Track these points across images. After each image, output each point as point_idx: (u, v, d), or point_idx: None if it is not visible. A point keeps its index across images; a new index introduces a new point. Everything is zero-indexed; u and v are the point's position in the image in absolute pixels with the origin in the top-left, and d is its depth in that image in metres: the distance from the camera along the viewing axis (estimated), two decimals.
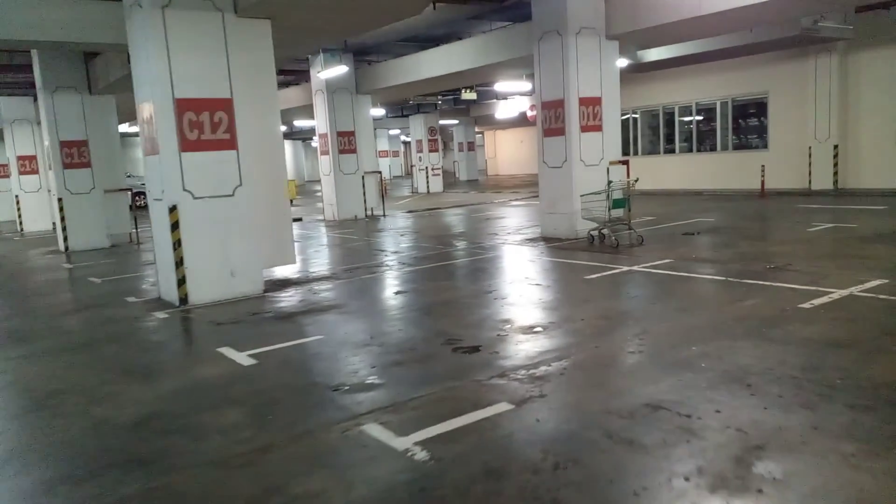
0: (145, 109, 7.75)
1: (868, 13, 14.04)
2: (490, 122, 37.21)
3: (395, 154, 53.72)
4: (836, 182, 15.76)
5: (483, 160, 45.98)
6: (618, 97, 11.35)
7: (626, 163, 11.44)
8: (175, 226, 7.49)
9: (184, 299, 7.53)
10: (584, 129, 10.88)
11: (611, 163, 11.14)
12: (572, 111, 10.73)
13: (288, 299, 7.55)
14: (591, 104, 10.92)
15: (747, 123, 18.22)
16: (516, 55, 12.84)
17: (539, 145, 11.42)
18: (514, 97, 25.03)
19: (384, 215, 17.83)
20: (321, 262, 10.25)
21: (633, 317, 5.92)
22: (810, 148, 16.09)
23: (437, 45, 14.99)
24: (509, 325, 5.80)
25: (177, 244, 7.51)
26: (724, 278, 7.14)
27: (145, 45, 7.46)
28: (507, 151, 44.44)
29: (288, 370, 5.10)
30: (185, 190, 7.51)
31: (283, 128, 29.50)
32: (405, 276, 8.65)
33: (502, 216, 15.97)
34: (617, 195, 9.93)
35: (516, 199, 21.02)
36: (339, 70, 14.65)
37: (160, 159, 7.52)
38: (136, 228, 14.58)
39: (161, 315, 7.17)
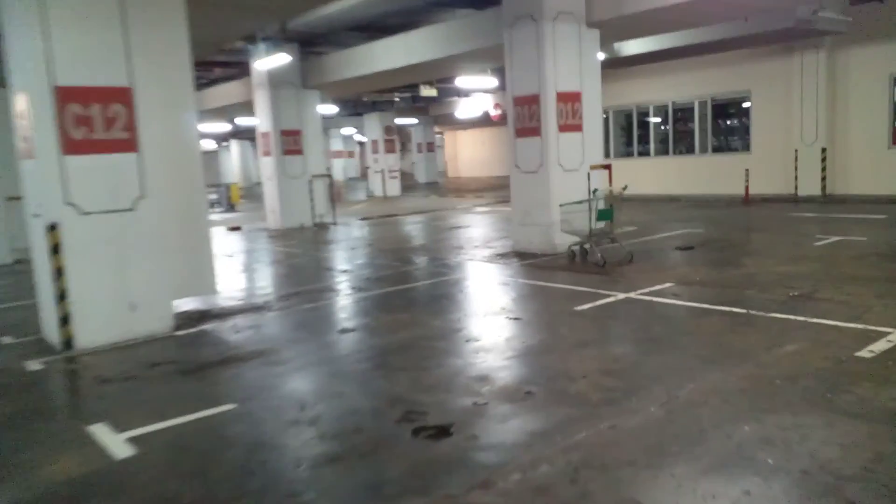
0: (19, 101, 6.05)
1: (860, 6, 13.07)
2: (451, 122, 35.81)
3: (350, 155, 51.90)
4: (824, 188, 14.79)
5: (443, 162, 44.57)
6: (599, 93, 10.03)
7: (608, 167, 10.11)
8: (55, 249, 5.82)
9: (67, 342, 5.86)
10: (563, 128, 9.51)
11: (591, 167, 9.79)
12: (549, 108, 9.36)
13: (203, 341, 5.95)
14: (570, 100, 9.57)
15: (727, 124, 17.23)
16: (483, 45, 11.41)
17: (510, 147, 10.01)
18: (477, 95, 23.66)
19: (335, 223, 16.21)
20: (254, 286, 8.62)
21: (648, 372, 4.51)
22: (796, 151, 15.11)
23: (394, 35, 13.45)
24: (488, 387, 4.34)
25: (58, 273, 5.83)
26: (743, 311, 5.82)
27: (14, 16, 5.78)
28: (469, 153, 43.13)
29: (175, 470, 3.52)
30: (68, 203, 5.85)
31: (228, 126, 27.57)
32: (354, 305, 7.11)
33: (467, 225, 14.54)
34: (602, 205, 8.58)
35: (480, 205, 19.64)
36: (281, 60, 13.00)
37: (36, 165, 5.85)
38: None
39: (33, 366, 5.49)
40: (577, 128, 9.68)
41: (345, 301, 7.25)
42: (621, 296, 6.64)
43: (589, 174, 9.71)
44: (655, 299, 6.43)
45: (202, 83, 20.27)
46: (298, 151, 15.83)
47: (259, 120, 15.99)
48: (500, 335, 5.52)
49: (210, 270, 6.89)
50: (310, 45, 15.56)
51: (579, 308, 6.25)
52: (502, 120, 25.80)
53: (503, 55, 9.97)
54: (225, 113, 22.54)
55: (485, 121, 33.95)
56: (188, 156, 6.71)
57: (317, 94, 16.35)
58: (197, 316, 6.86)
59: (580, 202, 8.80)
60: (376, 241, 12.68)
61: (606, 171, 10.03)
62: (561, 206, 8.87)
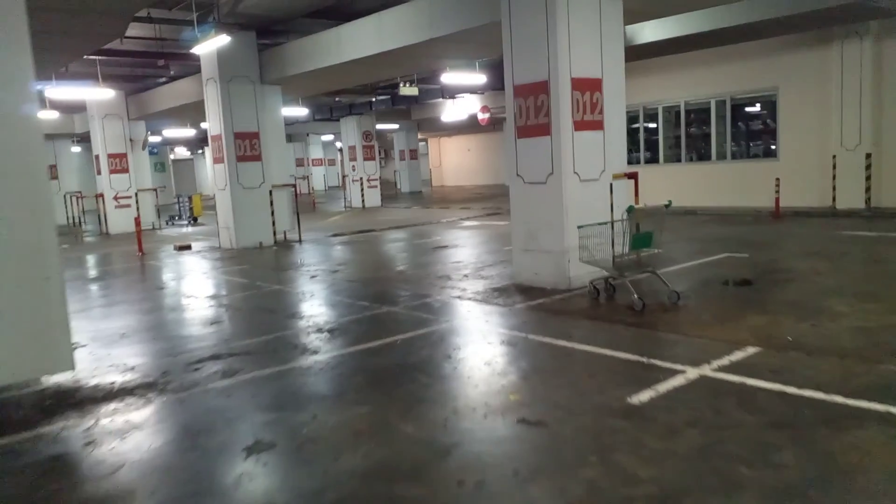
0: None
1: None
2: (435, 128, 33.61)
3: (332, 163, 49.51)
4: (868, 199, 12.68)
5: (427, 170, 42.32)
6: (622, 81, 7.81)
7: (633, 176, 7.90)
8: None
9: None
10: (580, 125, 7.28)
11: (614, 176, 7.57)
12: (562, 99, 7.12)
13: (22, 464, 3.58)
14: (588, 89, 7.34)
15: (749, 127, 15.12)
16: (472, 23, 9.18)
17: (509, 151, 7.76)
18: (463, 96, 21.44)
19: (300, 241, 13.86)
20: (162, 341, 6.24)
21: None
22: (834, 157, 13.00)
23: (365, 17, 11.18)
24: None
25: None
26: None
27: None
28: (454, 160, 40.95)
29: None
30: None
31: (192, 131, 25.11)
32: (292, 384, 4.77)
33: (454, 243, 12.24)
34: (641, 227, 6.34)
35: (468, 218, 17.36)
36: (219, 41, 10.65)
37: None
38: None
39: None
40: (598, 125, 7.45)
41: (279, 376, 4.90)
42: (692, 373, 4.37)
43: (612, 186, 7.52)
44: (748, 381, 4.16)
45: (158, 82, 17.87)
46: (256, 157, 13.48)
47: (210, 121, 13.63)
48: (517, 472, 3.20)
49: (65, 336, 4.51)
50: (268, 34, 13.25)
51: (635, 400, 3.96)
52: (490, 124, 23.59)
53: (497, 38, 7.74)
54: (184, 115, 20.11)
55: (471, 126, 31.80)
56: (24, 166, 4.35)
57: (278, 90, 14.03)
58: (50, 401, 4.50)
59: (605, 223, 6.57)
60: (344, 266, 10.34)
61: (632, 182, 7.85)
62: (580, 227, 6.62)
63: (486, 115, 21.51)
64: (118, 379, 4.96)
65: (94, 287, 9.65)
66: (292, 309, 7.30)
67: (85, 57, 13.93)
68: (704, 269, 8.14)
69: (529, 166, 7.49)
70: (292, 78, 13.12)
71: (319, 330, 6.12)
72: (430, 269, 9.39)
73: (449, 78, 15.21)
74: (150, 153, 33.95)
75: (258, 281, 9.30)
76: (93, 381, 4.92)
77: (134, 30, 12.90)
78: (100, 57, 13.90)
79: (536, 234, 7.49)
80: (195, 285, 9.35)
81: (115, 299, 8.55)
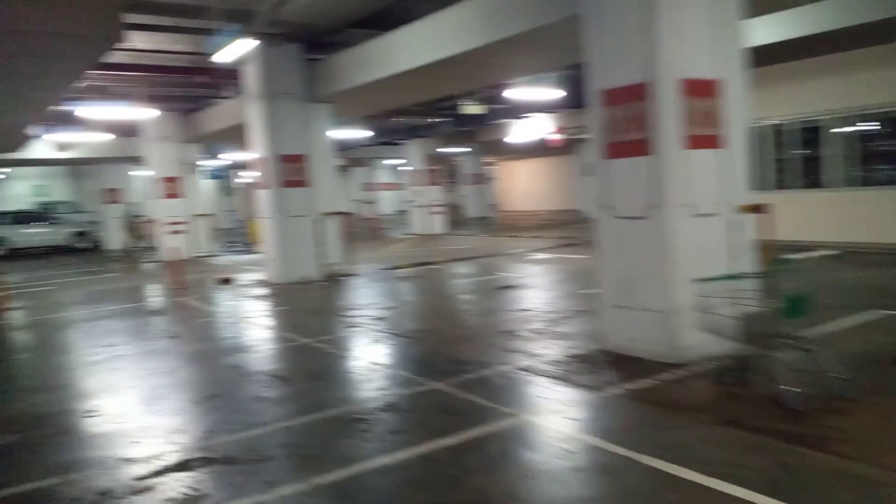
0: None
1: None
2: (503, 151, 31.96)
3: (399, 187, 48.58)
4: None
5: (495, 195, 40.66)
6: (743, 85, 5.92)
7: (762, 209, 5.95)
8: None
9: None
10: (692, 142, 5.45)
11: (741, 208, 5.66)
12: (666, 107, 5.32)
13: None
14: (702, 94, 5.51)
15: (884, 148, 12.70)
16: (544, 20, 7.49)
17: (596, 174, 5.99)
18: (533, 116, 19.71)
19: (350, 275, 12.41)
20: (98, 443, 4.74)
21: None
22: None
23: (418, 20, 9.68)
24: None
25: None
26: None
27: None
28: (524, 185, 39.15)
29: None
30: None
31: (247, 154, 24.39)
32: None
33: (523, 282, 10.46)
34: (799, 288, 4.42)
35: (539, 249, 15.52)
36: (244, 46, 9.29)
37: None
38: None
39: None
40: (716, 141, 5.58)
41: None
42: None
43: (739, 222, 5.64)
44: None
45: (210, 103, 17.02)
46: (302, 182, 12.15)
47: (253, 143, 12.44)
48: None
49: None
50: (316, 48, 11.98)
51: None
52: (564, 146, 21.76)
53: (575, 39, 6.03)
54: (234, 137, 19.21)
55: (543, 149, 29.97)
56: None
57: (327, 109, 12.71)
58: None
59: (737, 276, 4.71)
60: (393, 311, 8.72)
61: (762, 217, 5.92)
62: (697, 281, 4.78)
63: (560, 137, 19.69)
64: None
65: (73, 331, 8.41)
66: (310, 383, 5.68)
67: (124, 74, 13.10)
68: (858, 335, 6.06)
69: (622, 195, 5.69)
70: (341, 94, 11.76)
71: (334, 423, 4.47)
72: (492, 319, 7.66)
73: (517, 94, 13.55)
74: (216, 177, 33.92)
75: (287, 331, 7.80)
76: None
77: (174, 43, 11.92)
78: (142, 74, 13.02)
79: (633, 286, 5.65)
80: (209, 336, 7.94)
81: (105, 352, 7.21)
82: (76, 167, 29.07)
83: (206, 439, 4.21)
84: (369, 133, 21.84)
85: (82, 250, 23.14)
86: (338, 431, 4.26)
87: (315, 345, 6.87)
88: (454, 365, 5.76)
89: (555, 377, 5.22)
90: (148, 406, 5.10)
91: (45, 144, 20.18)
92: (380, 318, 8.13)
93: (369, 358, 6.21)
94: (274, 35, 11.19)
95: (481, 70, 9.95)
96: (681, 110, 5.38)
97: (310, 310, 9.33)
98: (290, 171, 12.05)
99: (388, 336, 7.10)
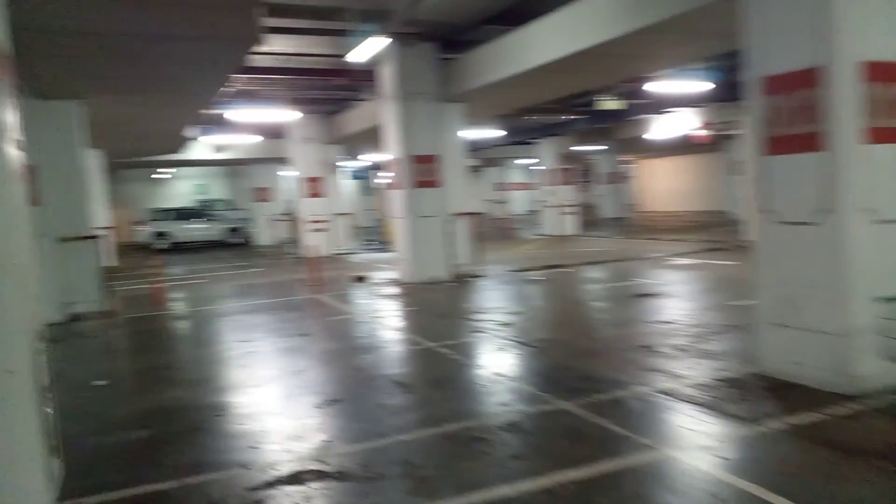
0: None
1: None
2: (642, 149, 30.46)
3: (532, 187, 47.99)
4: None
5: (632, 194, 38.95)
6: None
7: None
8: None
9: None
10: (877, 135, 4.61)
11: None
12: (842, 94, 4.54)
13: None
14: (889, 79, 4.65)
15: None
16: (696, 3, 6.78)
17: (753, 172, 5.27)
18: (677, 111, 18.46)
19: (479, 276, 12.18)
20: (223, 439, 4.74)
21: None
22: None
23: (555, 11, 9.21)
24: None
25: None
26: None
27: None
28: (664, 184, 37.17)
29: None
30: None
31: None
32: None
33: (664, 290, 9.69)
34: None
35: (681, 253, 14.47)
36: (376, 45, 9.24)
37: None
38: (108, 292, 10.05)
39: None
40: None
41: None
42: None
43: None
44: None
45: (351, 105, 17.53)
46: (433, 183, 12.09)
47: (388, 144, 12.56)
48: None
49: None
50: (451, 47, 11.84)
51: None
52: (710, 142, 20.25)
53: (727, 24, 5.33)
54: (374, 139, 19.69)
55: (686, 146, 28.22)
56: None
57: (460, 109, 12.55)
58: None
59: None
60: (520, 316, 8.35)
61: None
62: (880, 300, 4.01)
63: (706, 133, 18.30)
64: None
65: (216, 325, 8.76)
66: (431, 391, 5.46)
67: (269, 77, 13.72)
68: None
69: (786, 197, 4.94)
70: (475, 92, 11.54)
71: (453, 440, 4.19)
72: (628, 331, 7.07)
73: (659, 87, 12.66)
74: (357, 178, 35.21)
75: (413, 333, 7.69)
76: None
77: (314, 46, 12.30)
78: (285, 77, 13.58)
79: (798, 302, 4.90)
80: (339, 336, 7.98)
81: (242, 347, 7.43)
82: (231, 167, 31.38)
83: (322, 449, 4.09)
84: (501, 132, 21.58)
85: (234, 245, 24.84)
86: (456, 451, 3.98)
87: (439, 349, 6.67)
88: (585, 382, 5.30)
89: (701, 404, 4.62)
90: (272, 408, 5.12)
91: (202, 146, 21.87)
92: (506, 324, 7.80)
93: (493, 367, 5.89)
94: (408, 34, 11.20)
95: (622, 62, 9.32)
96: (861, 98, 4.57)
97: (437, 311, 9.19)
98: (423, 171, 12.02)
99: (514, 344, 6.75)
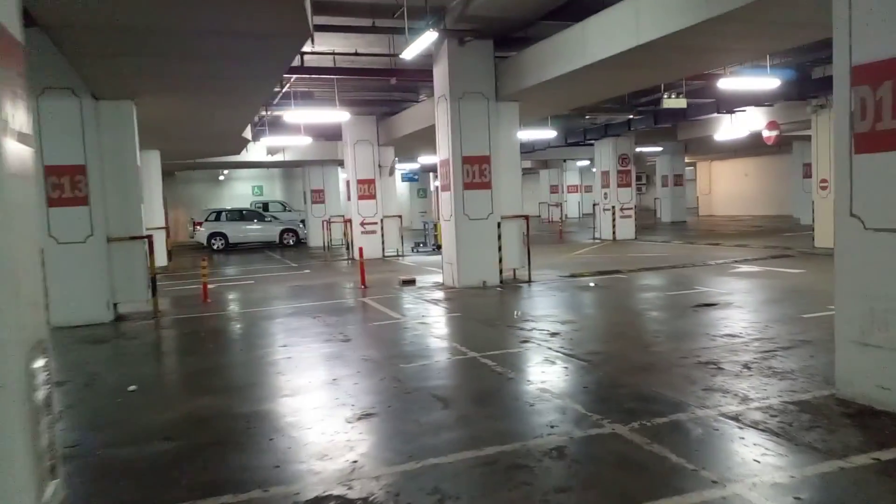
0: None
1: None
2: (705, 149, 29.36)
3: (588, 189, 47.00)
4: None
5: (693, 197, 37.63)
6: None
7: None
8: None
9: None
10: None
11: None
12: None
13: None
14: None
15: None
16: None
17: (836, 176, 4.69)
18: (744, 111, 17.55)
19: (529, 282, 11.76)
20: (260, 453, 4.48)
21: None
22: None
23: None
24: None
25: None
26: None
27: None
28: (727, 187, 35.77)
29: None
30: None
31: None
32: None
33: (726, 300, 9.06)
34: None
35: (745, 260, 13.67)
36: (426, 39, 8.94)
37: None
38: (155, 293, 10.08)
39: None
40: None
41: None
42: None
43: None
44: None
45: (404, 106, 17.35)
46: (485, 185, 11.72)
47: (438, 144, 12.26)
48: None
49: None
50: (506, 44, 11.48)
51: None
52: (778, 143, 19.21)
53: (805, 14, 4.81)
54: (427, 140, 19.47)
55: (750, 147, 27.07)
56: None
57: (515, 108, 12.15)
58: None
59: None
60: (570, 325, 7.89)
61: None
62: None
63: (774, 133, 17.32)
64: None
65: (259, 327, 8.60)
66: (471, 408, 5.10)
67: (324, 77, 13.63)
68: None
69: (881, 200, 4.38)
70: (531, 90, 11.12)
71: (492, 467, 3.82)
72: (688, 346, 6.54)
73: (728, 84, 11.96)
74: (411, 180, 35.16)
75: (457, 341, 7.34)
76: None
77: (369, 46, 12.14)
78: (340, 77, 13.48)
79: (889, 319, 4.33)
80: (380, 342, 7.70)
81: (281, 352, 7.23)
82: (287, 169, 31.77)
83: (349, 471, 3.78)
84: (557, 133, 21.07)
85: (288, 246, 25.05)
86: (494, 480, 3.61)
87: (483, 360, 6.30)
88: (640, 402, 4.84)
89: (773, 432, 4.11)
90: (304, 420, 4.85)
91: (259, 148, 22.11)
92: (555, 334, 7.37)
93: (539, 382, 5.49)
94: (463, 31, 10.90)
95: (686, 57, 8.77)
96: None
97: (483, 318, 8.83)
98: (473, 172, 11.67)
99: (564, 356, 6.32)
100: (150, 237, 10.24)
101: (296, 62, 12.51)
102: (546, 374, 5.74)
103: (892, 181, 4.28)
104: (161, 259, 17.52)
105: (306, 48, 12.17)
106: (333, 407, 5.10)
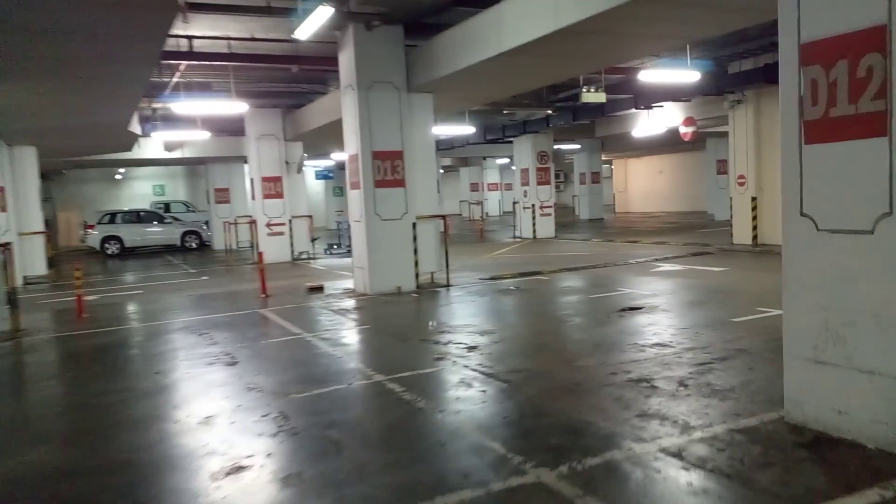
0: None
1: None
2: (622, 147, 29.61)
3: (508, 187, 46.99)
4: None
5: (610, 195, 38.12)
6: None
7: None
8: None
9: None
10: None
11: None
12: None
13: None
14: None
15: None
16: None
17: (784, 169, 4.11)
18: (662, 106, 17.43)
19: (447, 286, 11.00)
20: None
21: None
22: None
23: None
24: None
25: None
26: None
27: None
28: (642, 184, 36.38)
29: None
30: None
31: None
32: None
33: (651, 302, 8.57)
34: None
35: (666, 258, 13.42)
36: (320, 16, 8.00)
37: None
38: (16, 308, 8.63)
39: None
40: None
41: None
42: None
43: None
44: None
45: (308, 99, 16.21)
46: (398, 182, 10.85)
47: (346, 138, 11.30)
48: None
49: None
50: (418, 31, 10.64)
51: None
52: (695, 139, 19.31)
53: None
54: (335, 135, 18.39)
55: (665, 145, 27.47)
56: None
57: (428, 100, 11.35)
58: None
59: None
60: (490, 337, 7.15)
61: None
62: None
63: (691, 129, 17.31)
64: None
65: (134, 349, 7.45)
66: (367, 454, 4.24)
67: (218, 64, 12.41)
68: None
69: (835, 197, 3.81)
70: (445, 81, 10.32)
71: None
72: (616, 358, 5.92)
73: (648, 76, 11.59)
74: (326, 177, 33.76)
75: (362, 361, 6.45)
76: None
77: (267, 31, 11.02)
78: (237, 64, 12.26)
79: (846, 333, 3.77)
80: (272, 364, 6.71)
81: (151, 381, 6.15)
82: (192, 167, 29.78)
83: None
84: (476, 129, 20.47)
85: (191, 250, 23.34)
86: None
87: (390, 385, 5.44)
88: (567, 436, 4.11)
89: (723, 472, 3.47)
90: (156, 480, 3.85)
91: (155, 144, 20.35)
92: (473, 347, 6.61)
93: (454, 412, 4.69)
94: (370, 15, 9.99)
95: (607, 43, 8.19)
96: None
97: (395, 331, 7.97)
98: (385, 169, 10.78)
99: (482, 377, 5.55)
100: (6, 245, 8.80)
101: (184, 47, 11.26)
102: (461, 402, 4.94)
103: (848, 175, 3.72)
104: (40, 267, 15.73)
105: (196, 31, 10.98)
106: (200, 457, 4.12)
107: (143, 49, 7.37)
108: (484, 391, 5.17)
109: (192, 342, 7.68)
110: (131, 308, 10.80)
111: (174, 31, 10.85)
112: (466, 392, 5.17)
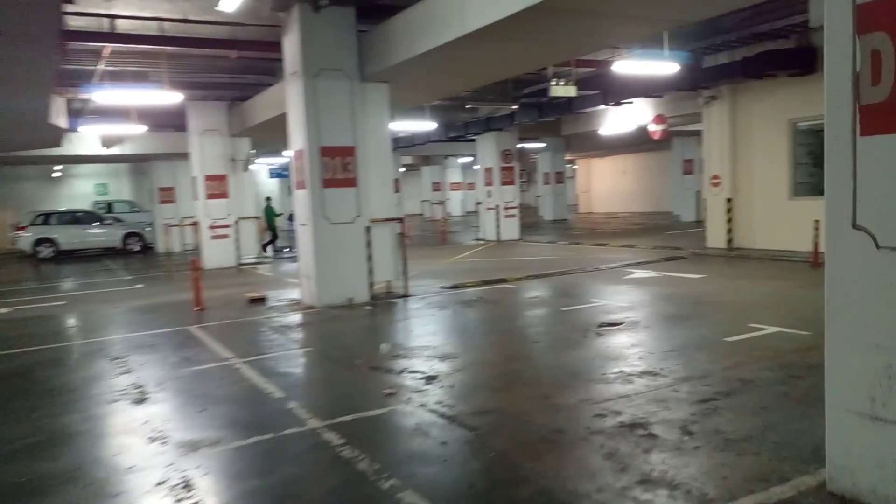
0: None
1: None
2: (587, 146, 28.93)
3: (471, 187, 46.08)
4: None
5: (573, 195, 37.53)
6: None
7: None
8: None
9: None
10: None
11: None
12: None
13: None
14: None
15: None
16: None
17: (828, 166, 3.21)
18: (630, 102, 16.65)
19: (405, 296, 9.96)
20: None
21: None
22: None
23: None
24: None
25: None
26: None
27: None
28: (606, 184, 35.87)
29: None
30: None
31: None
32: None
33: (629, 316, 7.66)
34: None
35: (637, 261, 12.60)
36: None
37: None
38: None
39: None
40: None
41: None
42: None
43: None
44: None
45: (257, 91, 14.96)
46: (349, 182, 9.76)
47: (291, 132, 10.16)
48: None
49: None
50: (370, 15, 9.59)
51: None
52: (665, 137, 18.64)
53: None
54: (282, 129, 17.16)
55: (629, 145, 26.90)
56: None
57: (384, 90, 10.29)
58: None
59: None
60: (450, 364, 6.14)
61: None
62: None
63: (661, 127, 16.59)
64: None
65: (28, 379, 6.25)
66: None
67: (148, 48, 11.14)
68: None
69: (889, 208, 2.91)
70: (402, 68, 9.28)
71: None
72: (601, 392, 4.97)
73: (623, 67, 10.73)
74: (280, 176, 32.28)
75: (298, 398, 5.35)
76: None
77: (202, 13, 9.82)
78: (159, 48, 10.99)
79: None
80: (188, 403, 5.58)
81: (42, 427, 4.98)
82: (138, 164, 28.02)
83: None
84: (438, 126, 19.48)
85: (132, 253, 21.79)
86: None
87: (327, 436, 4.38)
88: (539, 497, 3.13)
89: None
90: None
91: (91, 140, 18.77)
92: (432, 378, 5.60)
93: (406, 477, 3.67)
94: None
95: (582, 25, 7.26)
96: None
97: (342, 354, 6.88)
98: (334, 166, 9.68)
99: (442, 422, 4.53)
100: None
101: (105, 26, 9.98)
102: (416, 462, 3.92)
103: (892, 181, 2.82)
104: None
105: (121, 11, 9.73)
106: None
107: (42, 18, 6.13)
108: (444, 443, 4.16)
109: (100, 370, 6.49)
110: (45, 325, 9.47)
111: (94, 10, 9.62)
112: (423, 445, 4.15)
